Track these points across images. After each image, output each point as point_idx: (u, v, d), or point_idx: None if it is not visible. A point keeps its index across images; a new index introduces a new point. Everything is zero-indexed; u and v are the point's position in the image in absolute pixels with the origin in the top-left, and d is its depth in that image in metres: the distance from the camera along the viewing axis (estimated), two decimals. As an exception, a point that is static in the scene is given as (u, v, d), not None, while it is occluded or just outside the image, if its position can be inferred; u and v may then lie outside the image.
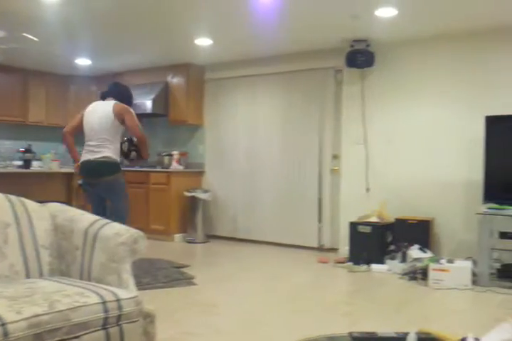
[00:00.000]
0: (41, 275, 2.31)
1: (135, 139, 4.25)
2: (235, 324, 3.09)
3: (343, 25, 4.72)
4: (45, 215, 2.46)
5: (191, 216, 6.28)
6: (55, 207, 2.55)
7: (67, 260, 2.37)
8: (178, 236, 6.33)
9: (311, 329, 2.93)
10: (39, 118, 7.19)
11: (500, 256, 4.43)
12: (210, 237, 6.44)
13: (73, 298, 1.88)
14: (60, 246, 2.40)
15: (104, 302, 1.91)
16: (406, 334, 1.62)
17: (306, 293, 3.88)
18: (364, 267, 4.72)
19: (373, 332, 1.78)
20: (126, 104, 4.25)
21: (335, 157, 5.68)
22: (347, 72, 5.52)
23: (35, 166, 5.42)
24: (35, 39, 5.14)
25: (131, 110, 4.18)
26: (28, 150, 5.08)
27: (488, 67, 4.79)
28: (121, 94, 4.35)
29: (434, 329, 1.88)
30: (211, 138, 6.68)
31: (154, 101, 6.49)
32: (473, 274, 4.14)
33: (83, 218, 2.40)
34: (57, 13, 4.45)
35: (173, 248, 5.85)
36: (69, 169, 5.85)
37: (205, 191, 6.33)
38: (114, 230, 2.24)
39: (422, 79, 5.14)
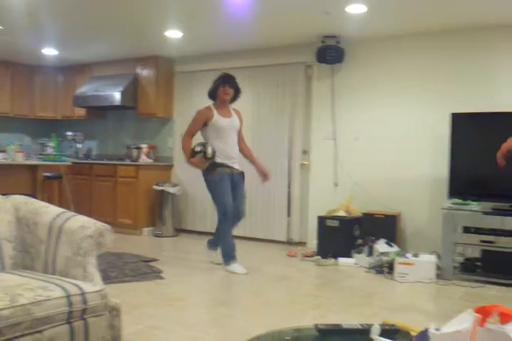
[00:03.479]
0: (3, 269, 2.25)
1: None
2: (202, 318, 3.08)
3: (315, 21, 4.73)
4: (8, 207, 2.40)
5: (160, 210, 6.23)
6: (18, 199, 2.49)
7: (31, 253, 2.32)
8: (146, 230, 6.28)
9: (278, 322, 2.95)
10: (4, 109, 7.01)
11: (463, 251, 4.55)
12: (179, 231, 6.41)
13: (36, 291, 1.84)
14: (23, 240, 2.35)
15: (68, 296, 1.88)
16: (370, 325, 1.64)
17: (273, 286, 3.90)
18: (331, 261, 4.77)
19: (338, 324, 1.80)
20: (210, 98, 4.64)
21: (304, 152, 5.71)
22: (317, 67, 5.55)
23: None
24: (-1, 27, 5.01)
25: (197, 113, 4.63)
26: (-9, 142, 4.94)
27: (455, 65, 4.88)
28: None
29: (398, 321, 1.92)
30: (180, 131, 6.60)
31: (123, 94, 6.41)
32: (438, 268, 4.23)
33: (48, 211, 2.35)
34: (23, 2, 4.33)
35: (141, 242, 5.80)
36: (34, 161, 5.71)
37: (174, 185, 6.29)
38: (80, 223, 2.20)
39: (389, 76, 5.21)
